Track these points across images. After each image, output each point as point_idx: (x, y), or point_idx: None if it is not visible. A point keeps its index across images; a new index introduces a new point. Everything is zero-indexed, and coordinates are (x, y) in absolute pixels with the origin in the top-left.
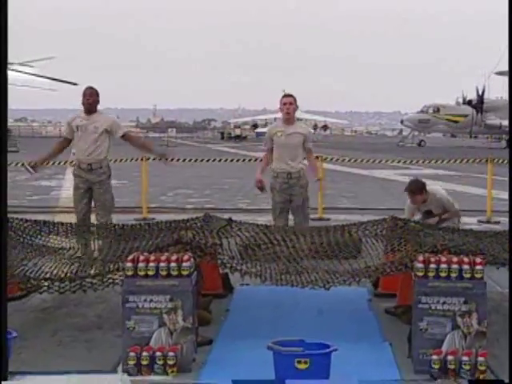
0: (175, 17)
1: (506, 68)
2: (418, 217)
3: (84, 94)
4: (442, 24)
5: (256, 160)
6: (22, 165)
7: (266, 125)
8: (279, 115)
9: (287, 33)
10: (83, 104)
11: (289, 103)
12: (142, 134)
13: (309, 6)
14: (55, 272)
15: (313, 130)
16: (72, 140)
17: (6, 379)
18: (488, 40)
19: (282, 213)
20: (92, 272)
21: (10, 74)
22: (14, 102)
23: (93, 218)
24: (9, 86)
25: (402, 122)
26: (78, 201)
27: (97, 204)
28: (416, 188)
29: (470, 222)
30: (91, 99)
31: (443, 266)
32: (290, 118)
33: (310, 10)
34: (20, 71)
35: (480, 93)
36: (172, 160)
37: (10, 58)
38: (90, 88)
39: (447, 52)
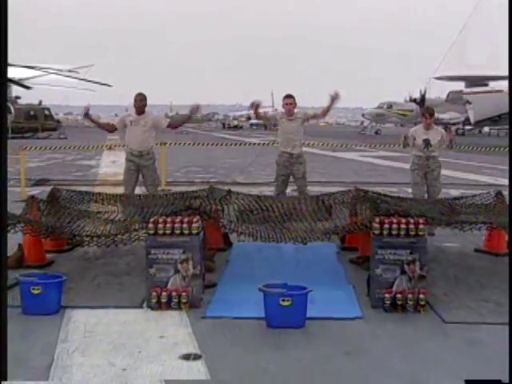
0: (188, 28)
1: (443, 74)
2: (417, 142)
3: (135, 99)
4: (397, 29)
5: (250, 144)
6: (85, 115)
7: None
8: (269, 110)
9: (272, 43)
10: (134, 106)
11: (290, 103)
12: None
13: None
14: (94, 230)
15: None
16: (116, 129)
17: (5, 379)
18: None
19: (283, 182)
20: (122, 230)
21: (59, 78)
22: (63, 100)
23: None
24: (58, 88)
25: (363, 115)
26: (128, 179)
27: (147, 183)
28: (432, 111)
29: None
30: (141, 103)
31: (394, 225)
32: (291, 114)
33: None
34: (68, 76)
35: (422, 93)
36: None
37: (56, 65)
38: (140, 94)
39: (397, 61)
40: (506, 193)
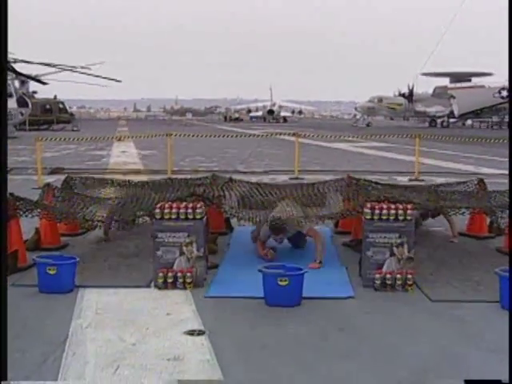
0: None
1: (430, 70)
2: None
3: None
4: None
5: (250, 136)
6: None
7: (257, 110)
8: (267, 103)
9: (272, 40)
10: None
11: None
12: (167, 118)
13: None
14: (105, 215)
15: (291, 114)
16: None
17: (5, 379)
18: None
19: None
20: (131, 215)
21: (73, 74)
22: (77, 95)
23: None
24: (72, 84)
25: (355, 108)
26: None
27: None
28: None
29: (403, 179)
30: None
31: (384, 211)
32: None
33: (290, 15)
34: (81, 72)
35: (410, 88)
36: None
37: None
38: None
39: (387, 56)
40: (487, 181)
